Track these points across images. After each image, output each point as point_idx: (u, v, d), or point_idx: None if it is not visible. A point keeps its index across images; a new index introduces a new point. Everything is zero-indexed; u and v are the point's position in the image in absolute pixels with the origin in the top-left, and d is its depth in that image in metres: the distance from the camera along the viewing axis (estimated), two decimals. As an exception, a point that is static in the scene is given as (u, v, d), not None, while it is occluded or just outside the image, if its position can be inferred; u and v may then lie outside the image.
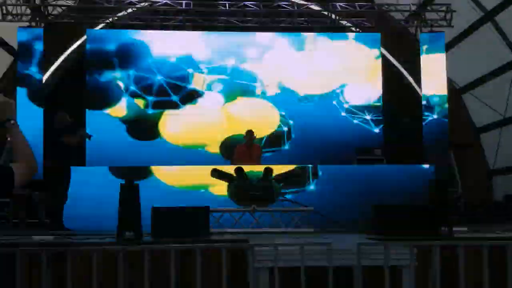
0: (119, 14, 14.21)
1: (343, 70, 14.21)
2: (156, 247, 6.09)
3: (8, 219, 12.30)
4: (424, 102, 13.97)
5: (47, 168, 9.54)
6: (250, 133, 11.74)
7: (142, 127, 13.86)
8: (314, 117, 14.01)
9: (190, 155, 13.50)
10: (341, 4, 14.01)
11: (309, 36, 14.36)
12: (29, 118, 12.68)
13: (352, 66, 14.24)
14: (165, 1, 14.16)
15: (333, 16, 14.30)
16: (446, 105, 13.86)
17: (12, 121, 3.13)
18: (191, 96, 14.02)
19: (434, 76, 13.97)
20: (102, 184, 9.87)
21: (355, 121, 14.07)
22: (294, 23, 14.24)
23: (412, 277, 5.32)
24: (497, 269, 6.36)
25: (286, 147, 14.01)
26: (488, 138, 15.37)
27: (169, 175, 10.24)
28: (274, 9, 14.05)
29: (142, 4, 13.98)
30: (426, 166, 11.02)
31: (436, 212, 7.69)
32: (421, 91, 14.26)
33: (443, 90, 13.94)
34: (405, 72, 15.49)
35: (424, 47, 14.10)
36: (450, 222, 7.68)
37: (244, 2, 14.01)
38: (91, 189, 9.87)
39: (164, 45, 14.05)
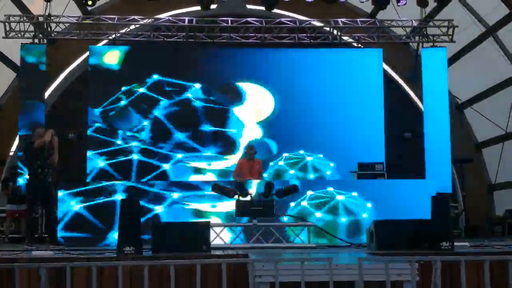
0: (122, 31, 14.26)
1: (345, 85, 14.25)
2: (155, 263, 6.07)
3: (5, 234, 12.36)
4: (425, 117, 13.97)
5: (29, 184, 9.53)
6: (251, 147, 11.78)
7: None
8: (315, 132, 14.04)
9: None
10: (343, 19, 14.05)
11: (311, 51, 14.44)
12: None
13: (354, 81, 14.27)
14: (167, 17, 14.24)
15: (335, 31, 14.34)
16: (448, 120, 13.86)
17: None
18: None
19: (435, 91, 13.97)
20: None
21: (356, 136, 14.05)
22: (296, 39, 14.28)
23: (414, 292, 5.29)
24: (498, 284, 6.33)
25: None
26: (489, 152, 15.37)
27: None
28: (276, 25, 14.10)
29: (145, 21, 14.04)
30: (427, 181, 11.00)
31: (437, 227, 7.66)
32: (422, 106, 14.27)
33: (444, 105, 13.95)
34: (406, 87, 15.52)
35: (426, 62, 14.12)
36: (451, 237, 7.65)
37: (247, 18, 14.06)
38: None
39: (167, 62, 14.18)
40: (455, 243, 7.74)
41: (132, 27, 14.27)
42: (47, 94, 14.04)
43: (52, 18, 13.63)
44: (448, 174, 13.68)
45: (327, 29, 14.43)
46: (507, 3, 13.09)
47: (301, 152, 13.94)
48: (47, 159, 9.41)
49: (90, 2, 13.61)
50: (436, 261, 5.68)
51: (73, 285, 5.72)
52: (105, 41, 14.62)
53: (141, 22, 14.04)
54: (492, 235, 13.49)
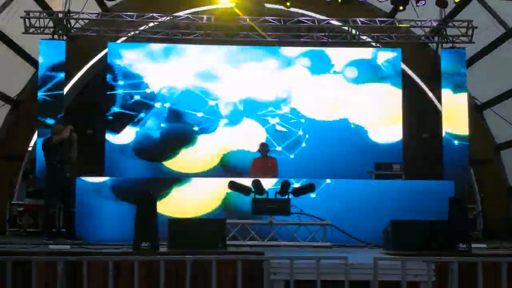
0: (141, 28, 14.30)
1: (364, 85, 14.21)
2: (171, 258, 6.08)
3: (24, 228, 12.43)
4: (444, 118, 13.90)
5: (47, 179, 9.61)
6: (263, 145, 11.81)
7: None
8: (332, 130, 13.99)
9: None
10: (361, 19, 14.00)
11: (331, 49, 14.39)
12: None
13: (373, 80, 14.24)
14: (186, 15, 14.26)
15: (354, 31, 14.28)
16: (467, 121, 13.79)
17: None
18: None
19: (454, 92, 13.92)
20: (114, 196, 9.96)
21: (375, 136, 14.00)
22: (314, 38, 14.26)
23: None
24: (516, 286, 6.28)
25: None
26: (508, 154, 15.22)
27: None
28: (295, 24, 14.08)
29: (164, 18, 14.07)
30: (445, 182, 10.93)
31: (454, 228, 7.62)
32: (441, 107, 14.19)
33: (464, 106, 13.88)
34: (425, 88, 15.41)
35: (445, 63, 14.05)
36: (469, 239, 7.60)
37: (265, 17, 14.06)
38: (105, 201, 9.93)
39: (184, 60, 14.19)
40: (473, 245, 7.69)
41: (151, 24, 14.31)
42: (66, 90, 14.09)
43: (71, 14, 13.70)
44: (466, 175, 13.61)
45: (346, 28, 14.37)
46: (528, 4, 12.97)
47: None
48: (66, 155, 9.51)
49: (109, -2, 13.75)
50: (453, 263, 5.65)
51: (89, 279, 5.75)
52: (124, 38, 14.67)
53: (159, 20, 14.07)
54: (510, 238, 13.35)
